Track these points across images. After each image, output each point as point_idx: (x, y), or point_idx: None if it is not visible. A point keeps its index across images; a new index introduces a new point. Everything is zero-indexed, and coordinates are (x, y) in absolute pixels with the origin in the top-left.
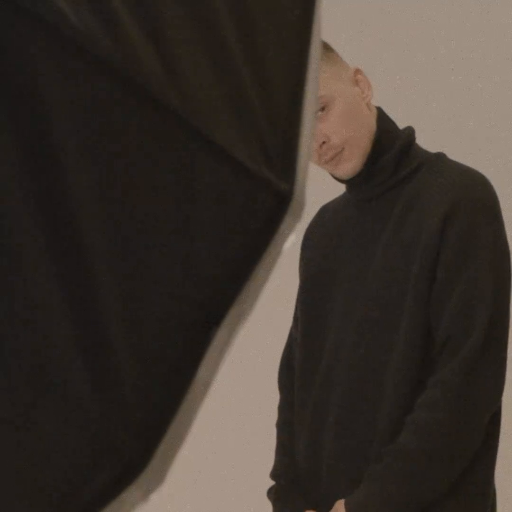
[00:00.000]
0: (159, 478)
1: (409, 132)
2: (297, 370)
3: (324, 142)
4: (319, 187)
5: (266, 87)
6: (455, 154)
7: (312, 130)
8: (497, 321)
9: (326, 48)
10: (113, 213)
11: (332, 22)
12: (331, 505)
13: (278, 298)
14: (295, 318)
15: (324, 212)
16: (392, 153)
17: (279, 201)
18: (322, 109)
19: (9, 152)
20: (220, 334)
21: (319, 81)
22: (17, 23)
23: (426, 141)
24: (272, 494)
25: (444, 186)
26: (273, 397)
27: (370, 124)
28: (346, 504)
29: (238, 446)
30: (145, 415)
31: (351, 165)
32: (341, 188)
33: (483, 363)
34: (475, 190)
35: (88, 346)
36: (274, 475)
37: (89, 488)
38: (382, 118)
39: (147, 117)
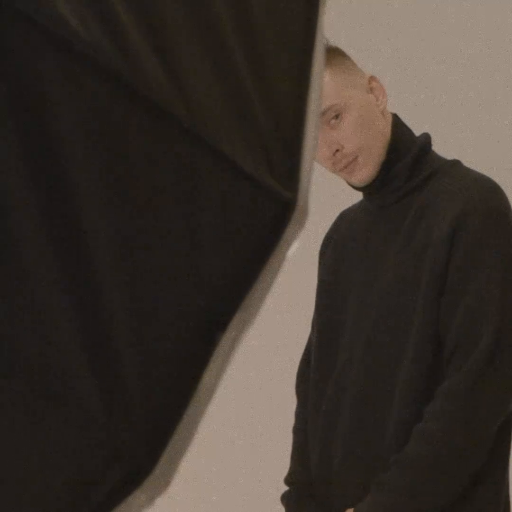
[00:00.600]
0: (165, 483)
1: (425, 139)
2: (312, 377)
3: (338, 150)
4: (340, 192)
5: (270, 96)
6: (472, 161)
7: (316, 138)
8: (505, 331)
9: (341, 55)
10: (117, 219)
11: (347, 29)
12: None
13: (297, 303)
14: (313, 325)
15: (343, 218)
16: (407, 161)
17: (283, 209)
18: (336, 116)
19: (14, 158)
20: (225, 340)
21: (333, 89)
22: (20, 29)
23: (445, 148)
24: (286, 499)
25: (455, 194)
26: (290, 402)
27: (384, 131)
28: None
29: (253, 450)
30: (150, 420)
31: (366, 172)
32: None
33: (490, 373)
34: (486, 198)
35: (94, 352)
36: (288, 480)
37: (96, 493)
38: (397, 125)
39: (151, 125)
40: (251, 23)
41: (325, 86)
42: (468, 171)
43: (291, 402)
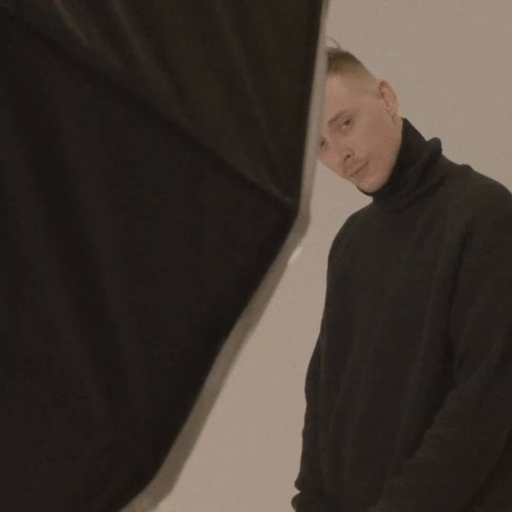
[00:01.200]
0: (168, 486)
1: (435, 144)
2: (321, 380)
3: (348, 156)
4: (348, 195)
5: (271, 102)
6: (481, 166)
7: (317, 147)
8: None
9: (352, 60)
10: (119, 223)
11: (360, 36)
12: None
13: (305, 306)
14: (322, 328)
15: (352, 221)
16: (417, 166)
17: (285, 216)
18: (347, 122)
19: (17, 160)
20: (228, 345)
21: (344, 95)
22: (28, 42)
23: (454, 153)
24: (296, 503)
25: (466, 200)
26: (297, 405)
27: (395, 137)
28: None
29: (262, 454)
30: (154, 424)
31: (376, 178)
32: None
33: (501, 379)
34: (497, 204)
35: (98, 356)
36: (298, 483)
37: (99, 496)
38: (408, 130)
39: (156, 134)
40: (253, 29)
41: (336, 92)
42: (479, 176)
43: (297, 405)
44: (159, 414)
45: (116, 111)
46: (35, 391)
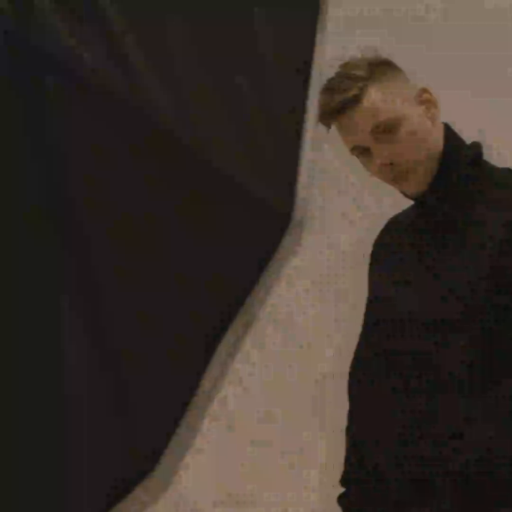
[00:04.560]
0: (165, 482)
1: (476, 148)
2: (366, 379)
3: (390, 163)
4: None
5: (270, 116)
6: None
7: (312, 159)
8: None
9: (392, 67)
10: (126, 239)
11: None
12: None
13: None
14: (365, 329)
15: (392, 225)
16: (459, 170)
17: (280, 222)
18: (390, 131)
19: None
20: (223, 346)
21: (385, 103)
22: (31, 61)
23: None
24: (343, 500)
25: (510, 203)
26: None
27: (436, 143)
28: None
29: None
30: (152, 423)
31: (417, 184)
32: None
33: None
34: None
35: (105, 367)
36: (344, 480)
37: (102, 491)
38: (449, 136)
39: (161, 151)
40: (257, 54)
41: (377, 100)
42: None
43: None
44: (157, 414)
45: (119, 128)
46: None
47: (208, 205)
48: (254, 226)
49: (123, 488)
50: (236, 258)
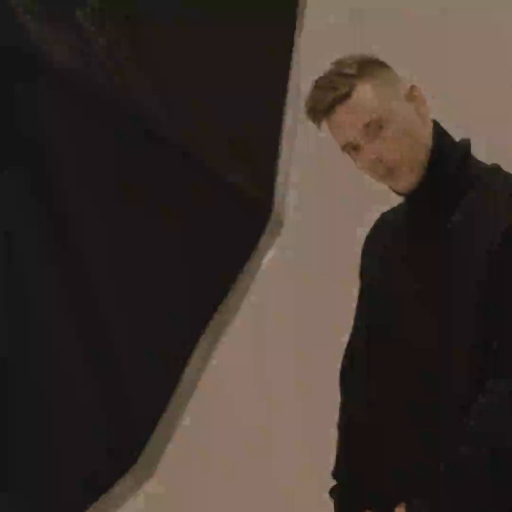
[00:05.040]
0: (150, 469)
1: (465, 145)
2: (357, 374)
3: (380, 160)
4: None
5: (250, 117)
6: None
7: (290, 158)
8: None
9: (382, 66)
10: (114, 225)
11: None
12: (391, 507)
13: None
14: (356, 324)
15: (383, 221)
16: (448, 167)
17: (259, 219)
18: (379, 127)
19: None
20: (204, 340)
21: (376, 101)
22: (21, 70)
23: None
24: (334, 493)
25: (501, 205)
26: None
27: (425, 139)
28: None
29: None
30: (136, 413)
31: (407, 180)
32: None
33: None
34: None
35: (95, 357)
36: (335, 475)
37: (86, 481)
38: (438, 133)
39: (152, 153)
40: (237, 61)
41: (367, 98)
42: (510, 176)
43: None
44: (141, 404)
45: (110, 131)
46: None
47: (196, 203)
48: (236, 221)
49: (105, 480)
50: (215, 253)
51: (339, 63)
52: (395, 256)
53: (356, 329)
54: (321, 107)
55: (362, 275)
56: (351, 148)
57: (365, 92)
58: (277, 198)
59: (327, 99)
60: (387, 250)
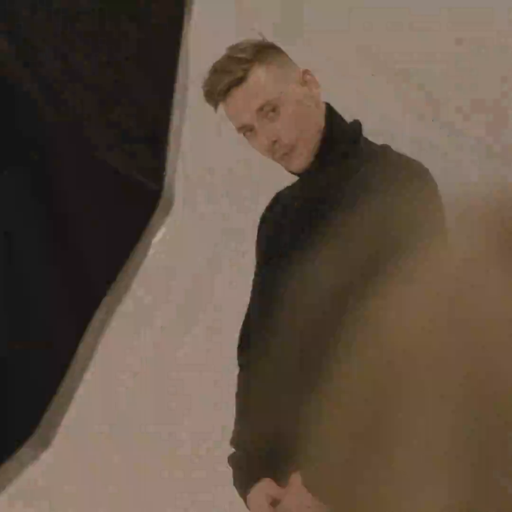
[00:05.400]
0: (46, 442)
1: (356, 126)
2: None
3: (275, 141)
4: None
5: (137, 101)
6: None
7: (179, 139)
8: None
9: (276, 50)
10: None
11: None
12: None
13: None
14: (251, 310)
15: (278, 198)
16: (340, 147)
17: (149, 200)
18: (273, 110)
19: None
20: (96, 318)
21: (269, 84)
22: None
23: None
24: (232, 461)
25: (386, 180)
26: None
27: (318, 121)
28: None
29: None
30: (32, 387)
31: (302, 160)
32: None
33: None
34: (418, 185)
35: None
36: (233, 442)
37: None
38: (331, 114)
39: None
40: (125, 47)
41: (261, 82)
42: (399, 156)
43: None
44: (37, 379)
45: None
46: None
47: (75, 182)
48: (123, 203)
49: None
50: (105, 233)
51: (234, 47)
52: (285, 235)
53: (252, 307)
54: (217, 90)
55: (257, 252)
56: (247, 130)
57: (259, 76)
58: (167, 179)
59: (223, 82)
60: (280, 228)
